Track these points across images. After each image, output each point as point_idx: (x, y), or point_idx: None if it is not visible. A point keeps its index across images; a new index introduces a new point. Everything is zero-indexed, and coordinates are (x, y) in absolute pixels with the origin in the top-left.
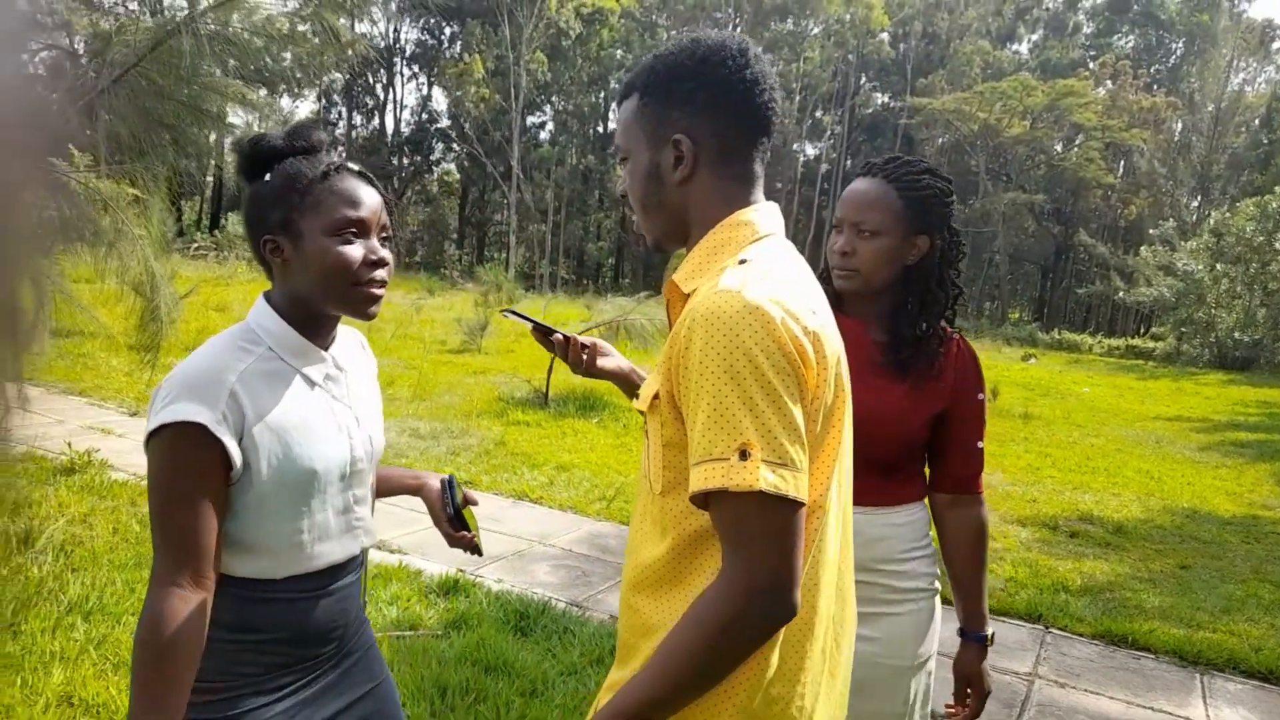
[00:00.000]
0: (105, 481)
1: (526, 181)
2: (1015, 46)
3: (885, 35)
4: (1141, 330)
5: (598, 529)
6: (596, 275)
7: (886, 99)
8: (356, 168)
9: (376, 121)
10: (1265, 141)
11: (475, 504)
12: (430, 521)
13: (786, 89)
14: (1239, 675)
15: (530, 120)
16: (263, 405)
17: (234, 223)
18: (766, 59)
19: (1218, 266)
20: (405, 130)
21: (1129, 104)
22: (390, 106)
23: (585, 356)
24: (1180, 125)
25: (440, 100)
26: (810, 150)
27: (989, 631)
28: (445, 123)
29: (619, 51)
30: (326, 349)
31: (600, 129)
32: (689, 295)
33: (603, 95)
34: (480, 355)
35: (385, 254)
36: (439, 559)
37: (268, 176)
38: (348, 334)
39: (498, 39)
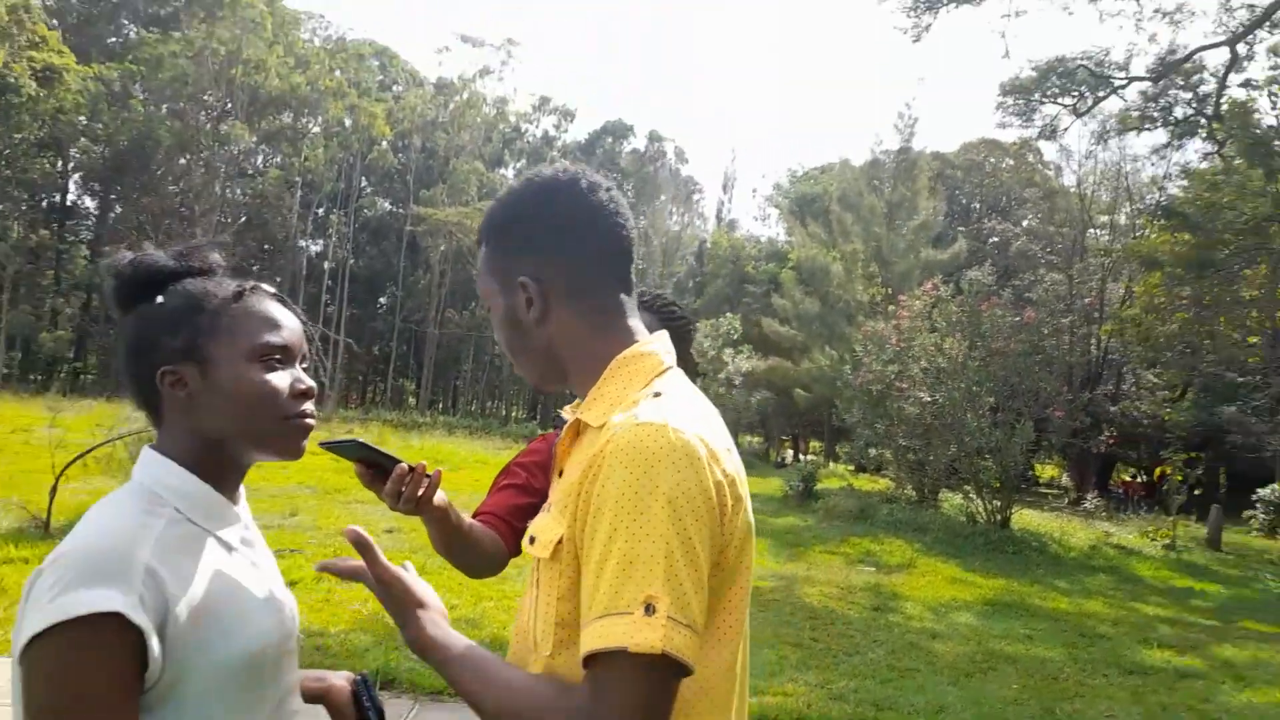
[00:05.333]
0: None
1: None
2: (503, 170)
3: (386, 144)
4: None
5: None
6: (50, 370)
7: (390, 205)
8: (271, 289)
9: None
10: (699, 273)
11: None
12: None
13: (289, 183)
14: None
15: None
16: (184, 581)
17: None
18: (607, 184)
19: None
20: None
21: None
22: None
23: (424, 488)
24: (640, 253)
25: None
26: (314, 247)
27: None
28: None
29: (83, 118)
30: (235, 504)
31: (56, 199)
32: (599, 428)
33: (60, 163)
34: None
35: (312, 383)
36: None
37: (159, 299)
38: None
39: None
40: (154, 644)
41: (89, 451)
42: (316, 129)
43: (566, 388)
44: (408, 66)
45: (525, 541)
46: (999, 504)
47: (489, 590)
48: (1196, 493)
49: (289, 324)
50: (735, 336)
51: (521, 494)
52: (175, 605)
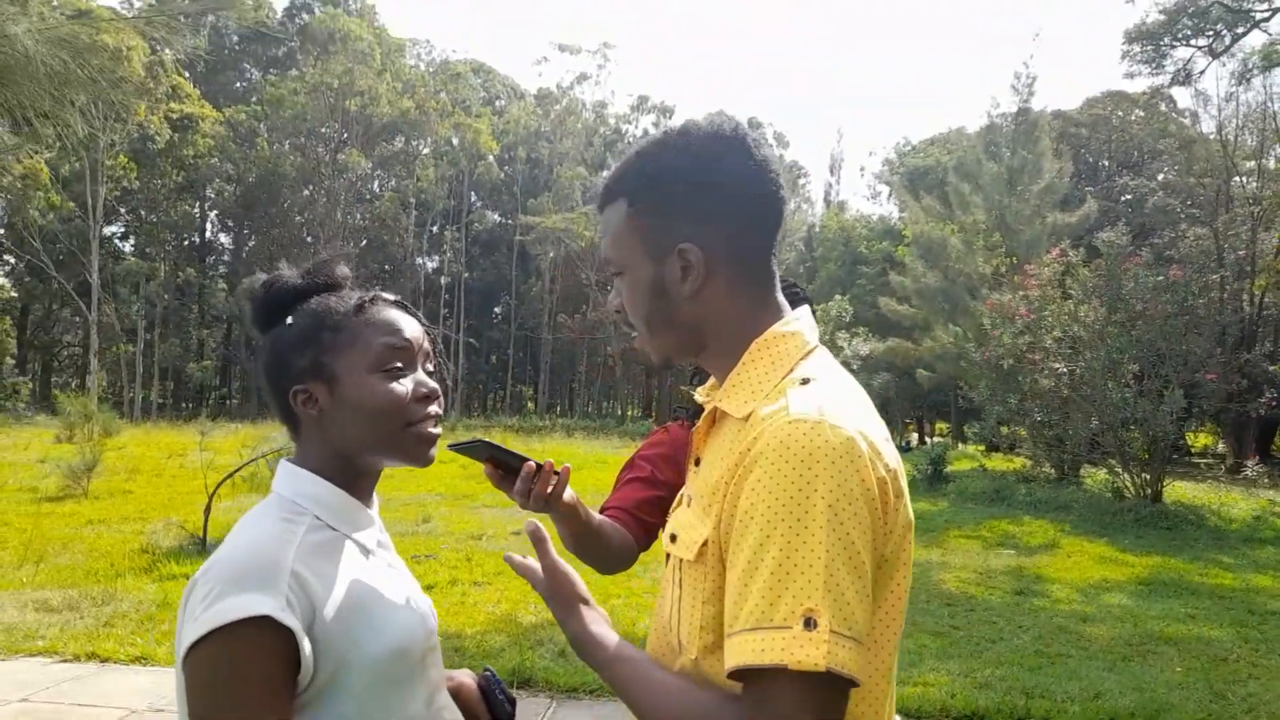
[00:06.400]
0: None
1: (108, 297)
2: (606, 174)
3: (492, 158)
4: None
5: None
6: (199, 398)
7: (499, 217)
8: (392, 297)
9: None
10: (809, 259)
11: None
12: (117, 718)
13: (404, 204)
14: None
15: (108, 230)
16: (328, 583)
17: None
18: (765, 139)
19: None
20: None
21: None
22: None
23: (554, 486)
24: None
25: None
26: (431, 264)
27: None
28: None
29: (215, 159)
30: (369, 508)
31: (196, 239)
32: (743, 419)
33: (196, 205)
34: (91, 501)
35: (435, 386)
36: None
37: (289, 320)
38: None
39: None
40: (305, 644)
41: (236, 471)
42: (426, 150)
43: (694, 363)
44: (508, 80)
45: (666, 539)
46: (1148, 477)
47: (617, 588)
48: None
49: (409, 328)
50: (847, 319)
51: (648, 487)
52: (321, 606)
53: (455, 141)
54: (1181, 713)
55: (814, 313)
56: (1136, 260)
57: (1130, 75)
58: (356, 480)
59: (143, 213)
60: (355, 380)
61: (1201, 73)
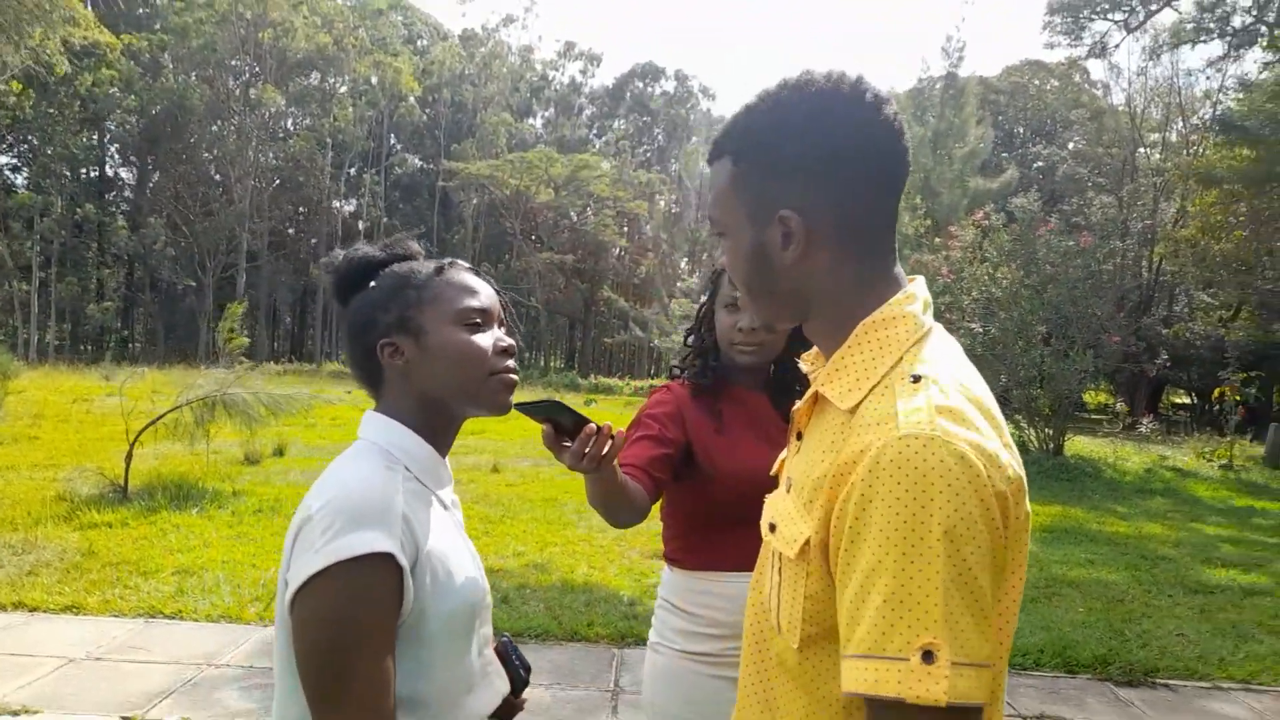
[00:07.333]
0: None
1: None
2: (532, 121)
3: (413, 100)
4: (665, 373)
5: (271, 636)
6: (99, 340)
7: (421, 161)
8: (467, 264)
9: None
10: None
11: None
12: (54, 666)
13: (320, 144)
14: None
15: None
16: (426, 531)
17: None
18: (888, 97)
19: None
20: None
21: (631, 178)
22: None
23: (608, 448)
24: (675, 198)
25: None
26: (348, 207)
27: None
28: None
29: (116, 90)
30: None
31: (94, 173)
32: (848, 410)
33: (96, 137)
34: None
35: (511, 341)
36: (88, 708)
37: (372, 284)
38: None
39: None
40: (410, 583)
41: (160, 418)
42: (344, 88)
43: (793, 325)
44: (430, 20)
45: (765, 528)
46: (1051, 432)
47: (554, 536)
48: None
49: (485, 291)
50: None
51: (657, 445)
52: (422, 552)
53: (375, 81)
54: (1085, 649)
55: None
56: (1050, 226)
57: (1050, 46)
58: (441, 432)
59: (35, 141)
60: (441, 332)
61: (1116, 46)
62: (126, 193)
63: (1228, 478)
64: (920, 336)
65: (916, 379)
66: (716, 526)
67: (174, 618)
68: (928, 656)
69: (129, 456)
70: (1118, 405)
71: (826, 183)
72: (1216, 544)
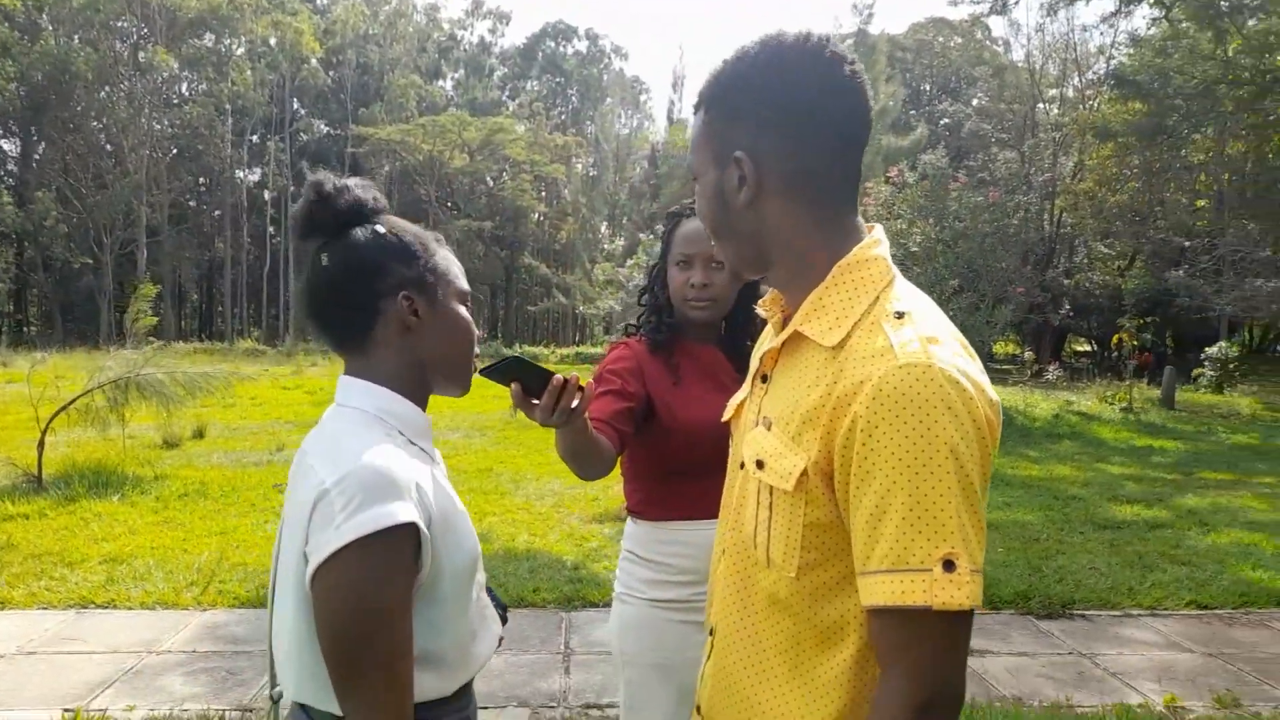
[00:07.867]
0: None
1: None
2: (442, 83)
3: (316, 62)
4: (591, 339)
5: (211, 620)
6: None
7: (328, 127)
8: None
9: None
10: (654, 176)
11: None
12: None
13: (219, 109)
14: None
15: None
16: (431, 495)
17: None
18: (853, 58)
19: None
20: None
21: (547, 141)
22: None
23: (578, 400)
24: (592, 161)
25: None
26: (252, 177)
27: None
28: None
29: None
30: None
31: None
32: (832, 348)
33: None
34: None
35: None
36: (27, 703)
37: (380, 229)
38: None
39: None
40: (427, 548)
41: (70, 403)
42: (241, 50)
43: (763, 277)
44: None
45: (751, 465)
46: None
47: (491, 506)
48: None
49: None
50: None
51: (621, 399)
52: (435, 516)
53: (274, 42)
54: (1007, 586)
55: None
56: (961, 182)
57: (954, 3)
58: (422, 397)
59: None
60: (449, 303)
61: (1016, 2)
62: (10, 166)
63: (1128, 420)
64: (892, 278)
65: (900, 315)
66: (677, 476)
67: (107, 607)
68: (949, 566)
69: (41, 444)
70: (1025, 354)
71: (781, 131)
72: (1121, 482)
